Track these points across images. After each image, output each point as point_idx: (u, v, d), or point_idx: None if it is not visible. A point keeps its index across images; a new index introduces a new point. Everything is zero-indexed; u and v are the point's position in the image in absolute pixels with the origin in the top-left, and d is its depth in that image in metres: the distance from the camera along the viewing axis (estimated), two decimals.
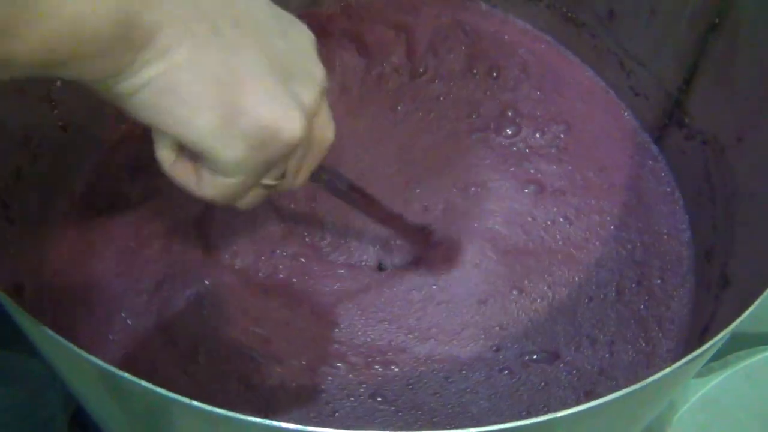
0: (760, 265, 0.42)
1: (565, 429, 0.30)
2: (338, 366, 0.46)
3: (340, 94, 0.60)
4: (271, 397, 0.45)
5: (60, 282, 0.49)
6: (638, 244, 0.54)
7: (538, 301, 0.50)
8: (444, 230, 0.53)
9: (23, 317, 0.32)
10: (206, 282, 0.49)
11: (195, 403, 0.27)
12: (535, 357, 0.47)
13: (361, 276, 0.50)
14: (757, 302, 0.34)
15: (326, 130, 0.35)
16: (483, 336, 0.48)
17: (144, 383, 0.28)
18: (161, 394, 0.28)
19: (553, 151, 0.58)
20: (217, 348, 0.46)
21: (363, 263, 0.51)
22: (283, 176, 0.34)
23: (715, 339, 0.32)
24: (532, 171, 0.56)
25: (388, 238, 0.52)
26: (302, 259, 0.51)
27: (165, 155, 0.31)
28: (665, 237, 0.54)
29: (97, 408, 0.41)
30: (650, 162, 0.58)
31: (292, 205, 0.53)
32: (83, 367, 0.31)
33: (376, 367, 0.46)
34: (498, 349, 0.48)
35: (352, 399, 0.45)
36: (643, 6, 0.58)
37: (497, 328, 0.49)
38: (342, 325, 0.48)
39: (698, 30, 0.53)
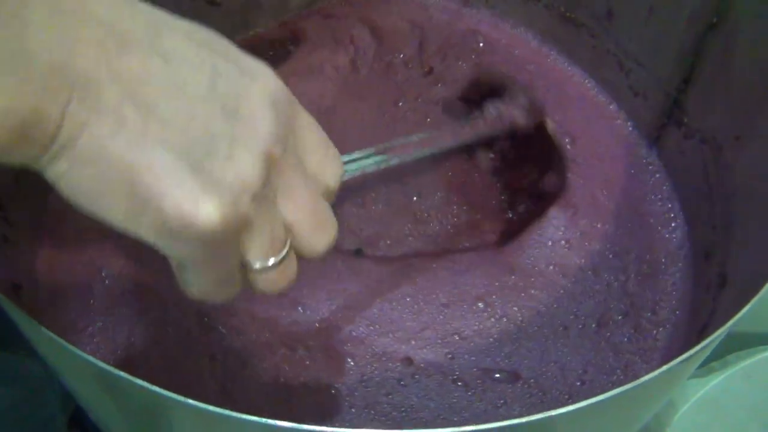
0: (759, 264, 0.42)
1: (561, 428, 0.30)
2: (297, 348, 0.45)
3: (350, 70, 0.60)
4: (235, 373, 0.44)
5: (58, 282, 0.49)
6: (632, 275, 0.51)
7: (504, 320, 0.48)
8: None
9: (21, 317, 0.32)
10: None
11: (192, 401, 0.27)
12: (497, 376, 0.46)
13: (335, 258, 0.49)
14: (754, 300, 0.34)
15: (298, 190, 0.29)
16: (440, 341, 0.47)
17: (141, 382, 0.28)
18: (158, 393, 0.28)
19: None
20: (187, 317, 0.46)
21: (341, 246, 0.51)
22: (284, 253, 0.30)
23: (712, 336, 0.32)
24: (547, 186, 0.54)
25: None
26: None
27: None
28: (663, 239, 0.54)
29: (96, 408, 0.41)
30: (653, 177, 0.57)
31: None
32: (81, 367, 0.31)
33: (332, 356, 0.45)
34: (453, 358, 0.46)
35: (309, 387, 0.44)
36: (641, 5, 0.58)
37: (456, 337, 0.47)
38: (307, 306, 0.47)
39: (697, 29, 0.53)
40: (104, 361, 0.29)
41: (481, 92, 0.56)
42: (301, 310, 0.47)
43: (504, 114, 0.52)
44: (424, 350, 0.46)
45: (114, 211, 0.25)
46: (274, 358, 0.45)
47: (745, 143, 0.50)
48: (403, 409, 0.44)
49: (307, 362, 0.45)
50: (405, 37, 0.62)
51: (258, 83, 0.28)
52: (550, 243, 0.51)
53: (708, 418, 0.55)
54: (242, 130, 0.27)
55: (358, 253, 0.51)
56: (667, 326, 0.49)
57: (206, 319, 0.46)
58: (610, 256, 0.52)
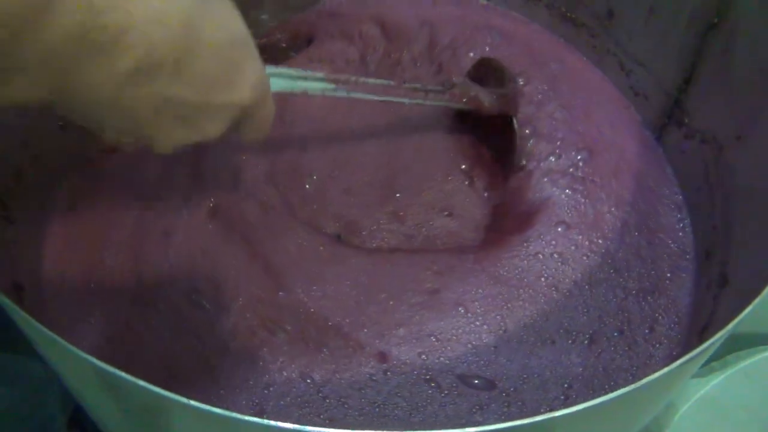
0: (760, 264, 0.42)
1: (562, 429, 0.30)
2: (276, 332, 0.46)
3: (359, 64, 0.60)
4: (221, 354, 0.45)
5: (59, 282, 0.49)
6: (634, 292, 0.50)
7: (485, 327, 0.47)
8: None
9: (22, 317, 0.32)
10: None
11: (192, 402, 0.27)
12: (475, 382, 0.45)
13: (317, 243, 0.50)
14: (755, 301, 0.34)
15: None
16: (414, 341, 0.46)
17: (141, 382, 0.28)
18: (158, 393, 0.28)
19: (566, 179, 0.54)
20: (177, 292, 0.47)
21: (325, 229, 0.52)
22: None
23: (714, 338, 0.32)
24: (536, 196, 0.53)
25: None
26: (270, 210, 0.51)
27: None
28: (666, 242, 0.53)
29: (95, 407, 0.41)
30: (666, 191, 0.56)
31: (283, 153, 0.54)
32: (81, 367, 0.31)
33: (309, 344, 0.45)
34: (427, 359, 0.45)
35: (285, 374, 0.44)
36: (642, 5, 0.58)
37: (432, 339, 0.46)
38: (288, 290, 0.47)
39: (697, 29, 0.53)
40: (104, 360, 0.29)
41: (480, 73, 0.57)
42: (283, 295, 0.47)
43: (469, 93, 0.53)
44: (398, 348, 0.46)
45: None
46: (254, 339, 0.45)
47: (745, 143, 0.50)
48: (376, 404, 0.44)
49: (285, 348, 0.45)
50: (414, 35, 0.62)
51: None
52: (541, 257, 0.50)
53: (708, 418, 0.55)
54: None
55: (339, 238, 0.52)
56: (664, 342, 0.48)
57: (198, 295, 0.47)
58: (612, 272, 0.50)
